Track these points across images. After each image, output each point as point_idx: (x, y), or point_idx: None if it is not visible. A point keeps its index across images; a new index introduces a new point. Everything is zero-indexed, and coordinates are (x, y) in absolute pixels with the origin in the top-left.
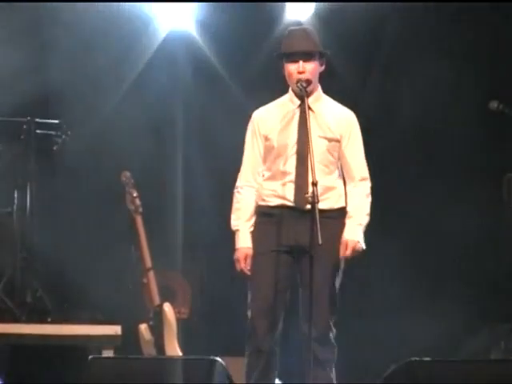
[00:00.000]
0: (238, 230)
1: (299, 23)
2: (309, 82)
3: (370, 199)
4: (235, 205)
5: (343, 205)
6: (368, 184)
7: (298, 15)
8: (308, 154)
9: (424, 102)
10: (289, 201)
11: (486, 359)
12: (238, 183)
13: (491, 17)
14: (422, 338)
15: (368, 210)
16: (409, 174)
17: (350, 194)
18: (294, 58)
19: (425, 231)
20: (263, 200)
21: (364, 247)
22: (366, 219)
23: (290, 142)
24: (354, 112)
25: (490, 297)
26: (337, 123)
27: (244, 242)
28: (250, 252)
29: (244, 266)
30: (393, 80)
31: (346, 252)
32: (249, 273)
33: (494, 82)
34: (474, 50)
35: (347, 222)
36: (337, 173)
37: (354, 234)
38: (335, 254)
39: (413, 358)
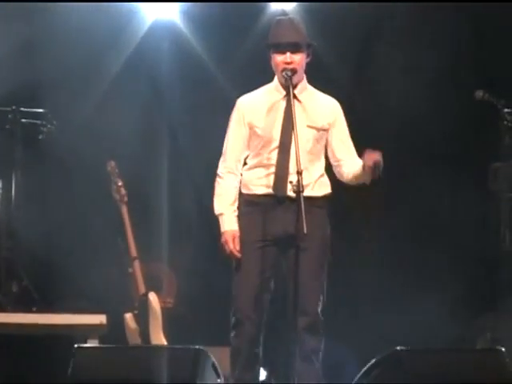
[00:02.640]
0: (222, 214)
1: (284, 12)
2: (294, 71)
3: None
4: (218, 190)
5: (329, 191)
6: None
7: (283, 5)
8: (291, 143)
9: (410, 91)
10: (275, 190)
11: (472, 348)
12: (220, 170)
13: (475, 7)
14: (408, 328)
15: None
16: (394, 165)
17: (351, 162)
18: (281, 48)
19: (410, 222)
20: (249, 189)
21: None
22: None
23: (276, 132)
24: (341, 103)
25: (477, 287)
26: (324, 112)
27: (229, 224)
28: (237, 234)
29: (233, 247)
30: (379, 71)
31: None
32: (239, 254)
33: (481, 72)
34: (460, 40)
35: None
36: (324, 161)
37: None
38: (322, 243)
39: (398, 347)
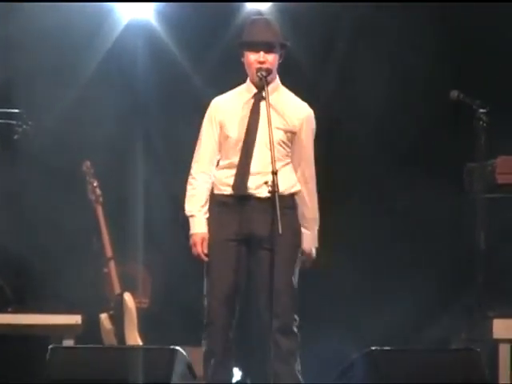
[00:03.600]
0: (193, 216)
1: (259, 12)
2: (269, 71)
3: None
4: (190, 191)
5: (298, 188)
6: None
7: (258, 5)
8: (255, 142)
9: (384, 92)
10: (234, 189)
11: (446, 348)
12: (193, 170)
13: (451, 6)
14: (383, 328)
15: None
16: (369, 166)
17: (303, 190)
18: (255, 47)
19: (385, 223)
20: (219, 189)
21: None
22: (318, 223)
23: (243, 132)
24: (313, 102)
25: (452, 287)
26: (294, 116)
27: (199, 227)
28: (206, 236)
29: (201, 250)
30: (352, 70)
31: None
32: (205, 258)
33: (455, 72)
34: (434, 39)
35: (306, 231)
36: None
37: (313, 242)
38: (293, 243)
39: (373, 347)
